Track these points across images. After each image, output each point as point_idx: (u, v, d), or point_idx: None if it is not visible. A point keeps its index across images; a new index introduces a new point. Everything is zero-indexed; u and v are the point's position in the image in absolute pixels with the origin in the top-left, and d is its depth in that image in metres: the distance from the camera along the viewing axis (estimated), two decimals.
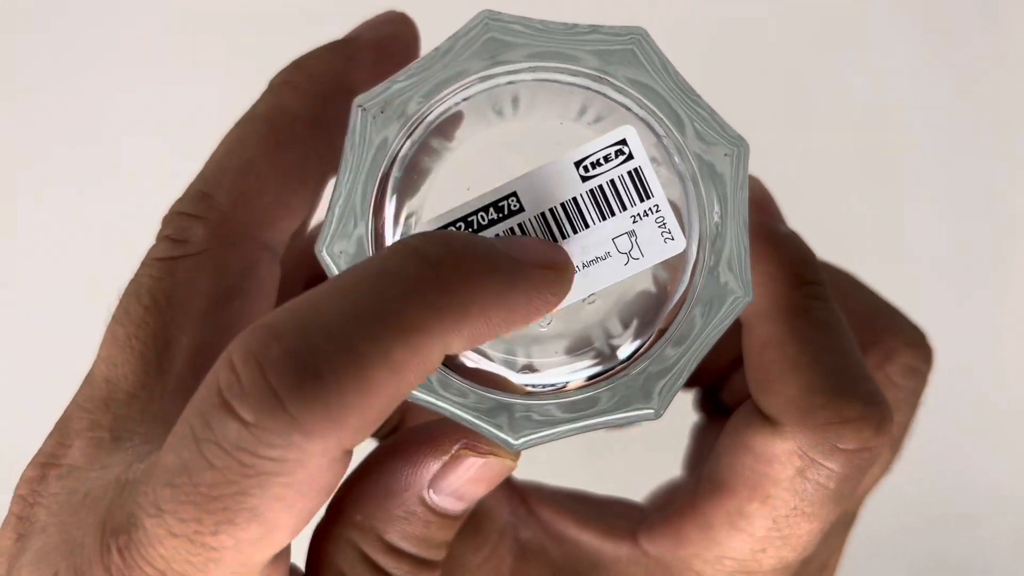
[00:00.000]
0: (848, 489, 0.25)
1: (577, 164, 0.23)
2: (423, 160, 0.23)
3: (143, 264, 0.25)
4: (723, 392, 0.32)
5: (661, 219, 0.23)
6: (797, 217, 0.29)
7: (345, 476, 0.22)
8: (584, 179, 0.23)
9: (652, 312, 0.24)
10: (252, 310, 0.25)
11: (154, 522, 0.20)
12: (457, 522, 0.25)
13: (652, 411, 0.23)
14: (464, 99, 0.23)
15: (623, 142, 0.23)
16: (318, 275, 0.31)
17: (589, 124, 0.24)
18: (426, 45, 0.29)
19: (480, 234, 0.23)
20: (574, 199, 0.23)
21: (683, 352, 0.23)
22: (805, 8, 0.52)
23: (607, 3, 0.40)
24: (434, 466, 0.24)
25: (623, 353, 0.24)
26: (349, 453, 0.20)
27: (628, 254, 0.23)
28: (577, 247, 0.23)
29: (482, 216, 0.23)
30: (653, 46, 0.23)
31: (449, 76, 0.23)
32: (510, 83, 0.23)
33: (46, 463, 0.23)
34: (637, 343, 0.24)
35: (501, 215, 0.23)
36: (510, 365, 0.24)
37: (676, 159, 0.23)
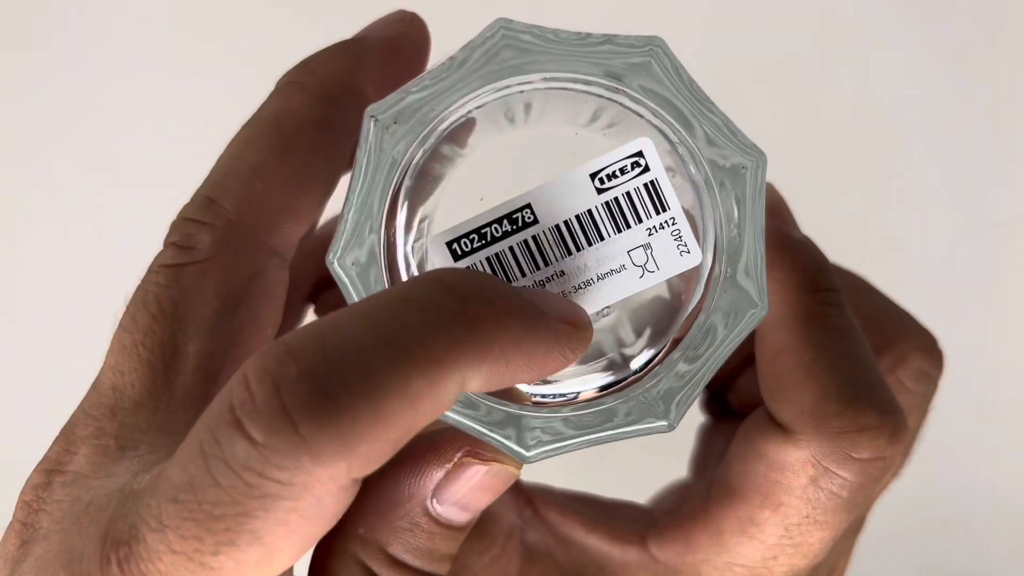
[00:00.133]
0: (861, 498, 0.25)
1: (592, 176, 0.23)
2: (435, 167, 0.23)
3: (150, 271, 0.24)
4: (730, 394, 0.32)
5: (677, 232, 0.23)
6: (797, 217, 0.28)
7: None
8: (600, 191, 0.23)
9: (666, 321, 0.24)
10: (260, 316, 0.25)
11: (156, 537, 0.20)
12: (462, 534, 0.24)
13: (666, 424, 0.23)
14: (477, 107, 0.23)
15: (639, 154, 0.23)
16: (326, 278, 0.31)
17: (602, 131, 0.23)
18: (436, 44, 0.28)
19: (493, 246, 0.23)
20: (589, 211, 0.23)
21: (699, 365, 0.23)
22: (805, 8, 0.52)
23: (607, 4, 0.40)
24: (437, 474, 0.23)
25: (636, 364, 0.24)
26: (357, 483, 0.20)
27: (643, 267, 0.23)
28: (592, 259, 0.23)
29: (496, 228, 0.23)
30: (670, 55, 0.23)
31: (464, 93, 0.22)
32: (521, 92, 0.23)
33: (51, 469, 0.23)
34: (650, 353, 0.24)
35: (515, 227, 0.23)
36: None
37: (691, 168, 0.23)
